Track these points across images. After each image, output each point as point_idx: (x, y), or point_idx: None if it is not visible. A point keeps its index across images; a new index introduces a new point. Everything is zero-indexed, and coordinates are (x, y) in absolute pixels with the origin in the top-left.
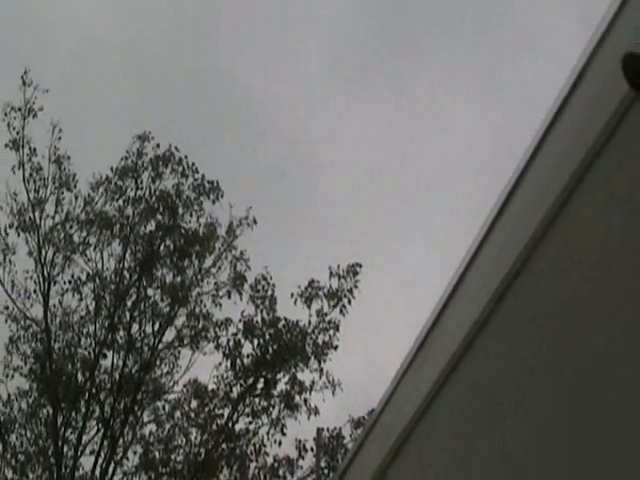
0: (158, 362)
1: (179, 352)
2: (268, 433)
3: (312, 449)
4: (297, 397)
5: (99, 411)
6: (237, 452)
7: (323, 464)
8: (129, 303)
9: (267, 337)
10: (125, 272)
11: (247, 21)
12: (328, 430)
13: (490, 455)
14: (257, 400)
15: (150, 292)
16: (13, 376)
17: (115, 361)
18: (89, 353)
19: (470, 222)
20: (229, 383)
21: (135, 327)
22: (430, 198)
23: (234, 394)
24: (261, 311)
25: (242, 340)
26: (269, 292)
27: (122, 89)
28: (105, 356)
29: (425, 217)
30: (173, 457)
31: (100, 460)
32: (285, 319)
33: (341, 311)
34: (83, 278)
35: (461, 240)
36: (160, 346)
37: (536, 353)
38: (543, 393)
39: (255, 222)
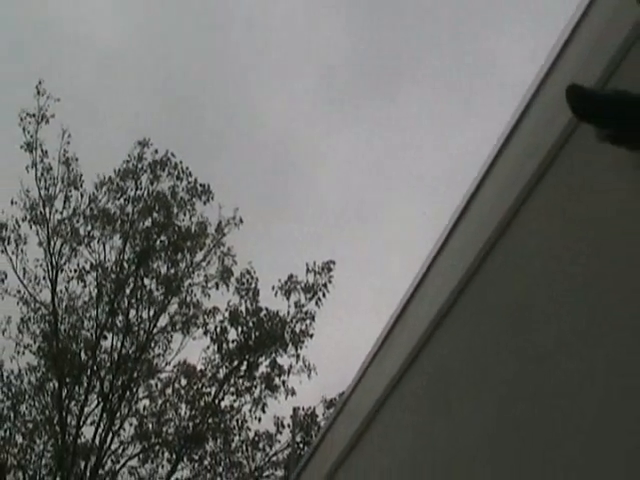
0: (153, 344)
1: (171, 336)
2: (250, 410)
3: (289, 425)
4: (276, 379)
5: (99, 386)
6: (222, 426)
7: (299, 439)
8: (128, 291)
9: (250, 325)
10: (124, 263)
11: (249, 37)
12: (303, 409)
13: (443, 444)
14: (241, 381)
15: (146, 282)
16: (24, 353)
17: (114, 342)
18: (91, 334)
19: (434, 225)
20: (216, 365)
21: (133, 312)
22: (402, 204)
23: (220, 375)
24: (245, 301)
25: (228, 327)
26: (253, 285)
27: (124, 97)
28: (105, 337)
29: (393, 221)
30: (165, 429)
31: (100, 430)
32: (267, 309)
33: (317, 303)
34: (87, 267)
35: (424, 242)
36: (155, 330)
37: (490, 347)
38: (495, 386)
39: (241, 222)
